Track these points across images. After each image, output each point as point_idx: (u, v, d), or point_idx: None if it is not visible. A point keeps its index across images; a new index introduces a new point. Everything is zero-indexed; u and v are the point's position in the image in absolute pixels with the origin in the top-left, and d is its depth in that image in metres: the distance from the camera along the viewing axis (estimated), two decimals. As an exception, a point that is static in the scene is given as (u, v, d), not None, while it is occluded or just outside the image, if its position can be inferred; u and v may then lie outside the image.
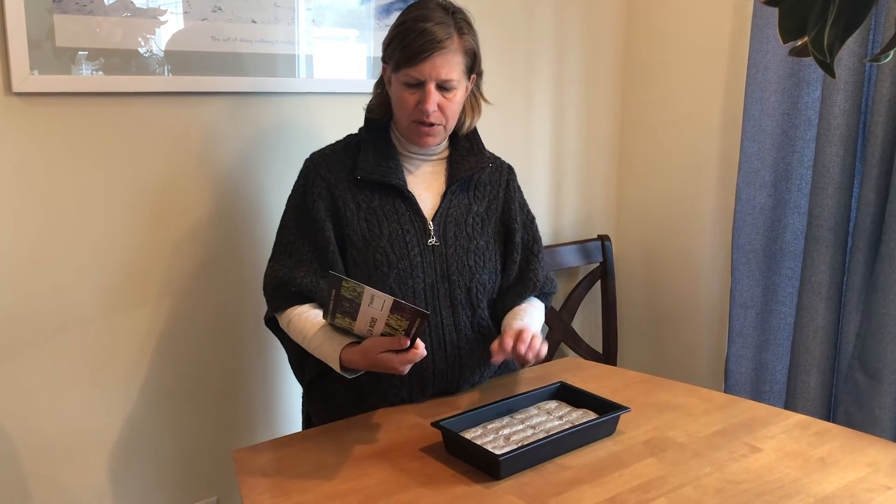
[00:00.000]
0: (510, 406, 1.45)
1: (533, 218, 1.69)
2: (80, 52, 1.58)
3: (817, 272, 2.05)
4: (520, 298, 1.61)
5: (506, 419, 1.41)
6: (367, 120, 1.57)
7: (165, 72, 1.69)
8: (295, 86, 1.89)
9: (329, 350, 1.36)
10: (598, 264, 2.51)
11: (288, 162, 1.88)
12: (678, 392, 1.61)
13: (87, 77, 1.61)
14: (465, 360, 1.55)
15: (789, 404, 2.16)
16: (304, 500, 1.20)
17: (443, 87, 1.45)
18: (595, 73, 2.52)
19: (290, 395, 1.99)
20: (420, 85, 1.44)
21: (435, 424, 1.33)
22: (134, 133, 1.68)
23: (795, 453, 1.34)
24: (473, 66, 1.51)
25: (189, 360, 1.84)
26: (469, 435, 1.34)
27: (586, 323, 2.62)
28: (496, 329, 1.61)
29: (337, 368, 1.35)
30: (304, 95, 1.90)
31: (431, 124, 1.47)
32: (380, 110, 1.55)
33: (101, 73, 1.62)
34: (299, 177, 1.55)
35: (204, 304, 1.83)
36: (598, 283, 2.53)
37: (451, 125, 1.52)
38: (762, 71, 2.12)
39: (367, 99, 1.60)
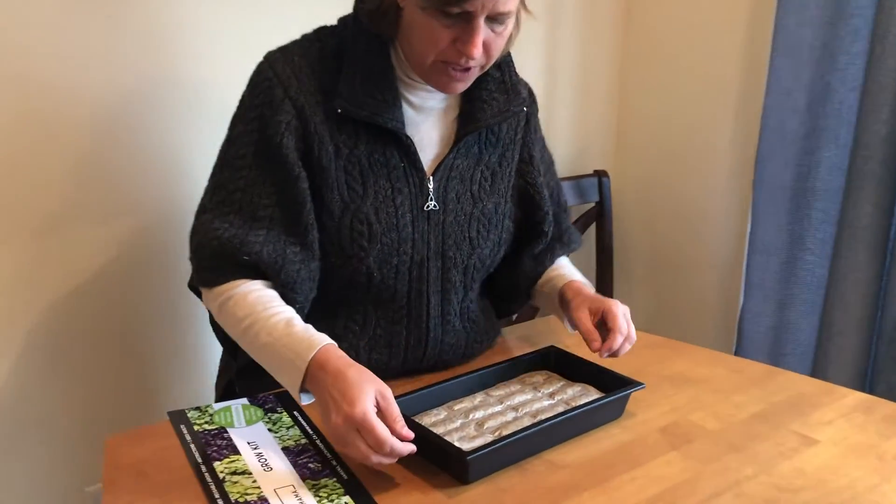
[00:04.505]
0: (485, 379, 1.10)
1: (552, 160, 1.32)
2: None
3: (861, 215, 1.71)
4: (551, 262, 1.28)
5: (479, 397, 1.06)
6: (356, 20, 1.09)
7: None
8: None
9: (299, 347, 0.97)
10: (594, 204, 2.19)
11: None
12: (699, 360, 1.27)
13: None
14: (447, 354, 1.19)
15: (817, 371, 1.84)
16: (189, 515, 0.85)
17: (494, 19, 1.00)
18: (596, -24, 2.14)
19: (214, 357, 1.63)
20: (463, 16, 0.98)
21: (382, 405, 0.98)
22: None
23: (864, 447, 1.01)
24: None
25: (82, 318, 1.46)
26: (428, 420, 1.00)
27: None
28: (493, 307, 1.29)
29: (299, 378, 0.95)
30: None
31: (468, 68, 1.03)
32: (384, 23, 1.06)
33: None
34: (252, 89, 1.08)
35: (96, 243, 1.46)
36: (594, 226, 2.20)
37: (490, 64, 1.08)
38: (801, -30, 1.74)
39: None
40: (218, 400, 1.25)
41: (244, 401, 1.09)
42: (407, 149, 1.09)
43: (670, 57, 2.17)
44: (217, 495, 0.87)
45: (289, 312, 1.02)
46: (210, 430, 1.01)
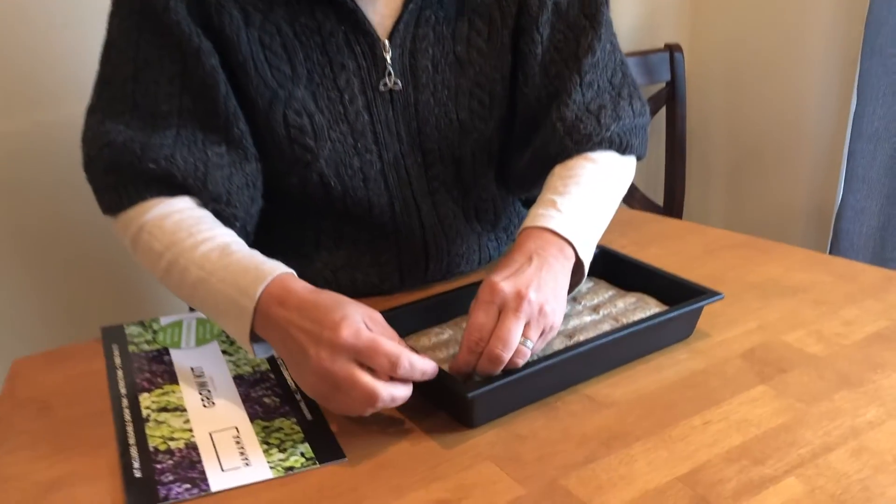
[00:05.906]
0: (509, 287, 0.84)
1: None
2: None
3: None
4: (545, 162, 0.87)
5: (498, 311, 0.81)
6: None
7: None
8: None
9: (244, 281, 0.68)
10: (665, 85, 1.94)
11: None
12: (795, 263, 0.99)
13: None
14: (458, 266, 0.93)
15: (934, 278, 1.54)
16: (88, 467, 0.63)
17: None
18: None
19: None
20: None
21: (366, 321, 0.73)
22: None
23: None
24: None
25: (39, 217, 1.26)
26: (426, 341, 0.75)
27: (644, 164, 2.01)
28: (524, 204, 1.02)
29: (247, 321, 0.67)
30: None
31: None
32: None
33: None
34: None
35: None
36: (664, 110, 1.95)
37: None
38: None
39: None
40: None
41: (201, 314, 0.87)
42: (341, 7, 0.79)
43: None
44: (132, 440, 0.65)
45: (225, 236, 0.75)
46: (148, 352, 0.79)
